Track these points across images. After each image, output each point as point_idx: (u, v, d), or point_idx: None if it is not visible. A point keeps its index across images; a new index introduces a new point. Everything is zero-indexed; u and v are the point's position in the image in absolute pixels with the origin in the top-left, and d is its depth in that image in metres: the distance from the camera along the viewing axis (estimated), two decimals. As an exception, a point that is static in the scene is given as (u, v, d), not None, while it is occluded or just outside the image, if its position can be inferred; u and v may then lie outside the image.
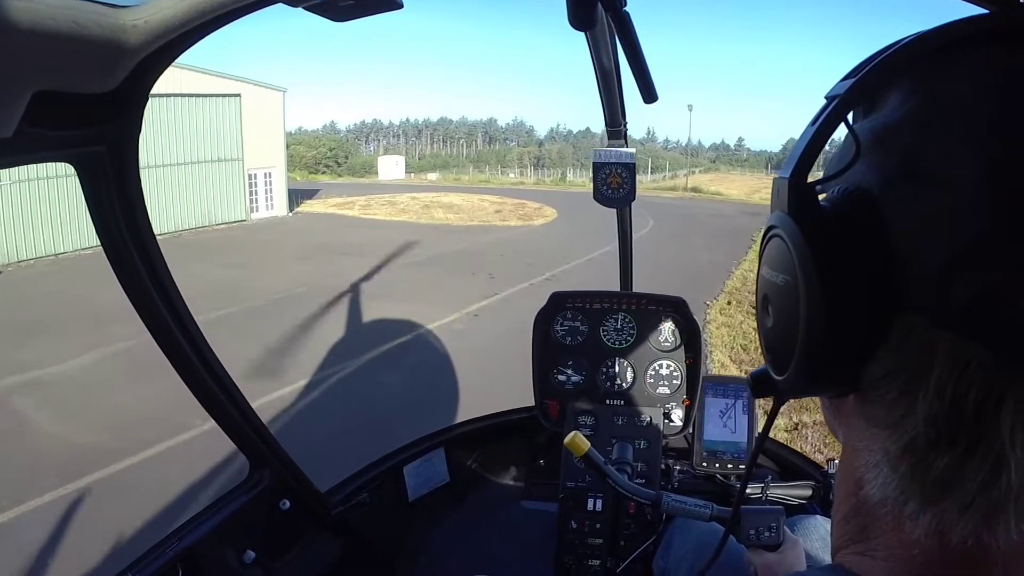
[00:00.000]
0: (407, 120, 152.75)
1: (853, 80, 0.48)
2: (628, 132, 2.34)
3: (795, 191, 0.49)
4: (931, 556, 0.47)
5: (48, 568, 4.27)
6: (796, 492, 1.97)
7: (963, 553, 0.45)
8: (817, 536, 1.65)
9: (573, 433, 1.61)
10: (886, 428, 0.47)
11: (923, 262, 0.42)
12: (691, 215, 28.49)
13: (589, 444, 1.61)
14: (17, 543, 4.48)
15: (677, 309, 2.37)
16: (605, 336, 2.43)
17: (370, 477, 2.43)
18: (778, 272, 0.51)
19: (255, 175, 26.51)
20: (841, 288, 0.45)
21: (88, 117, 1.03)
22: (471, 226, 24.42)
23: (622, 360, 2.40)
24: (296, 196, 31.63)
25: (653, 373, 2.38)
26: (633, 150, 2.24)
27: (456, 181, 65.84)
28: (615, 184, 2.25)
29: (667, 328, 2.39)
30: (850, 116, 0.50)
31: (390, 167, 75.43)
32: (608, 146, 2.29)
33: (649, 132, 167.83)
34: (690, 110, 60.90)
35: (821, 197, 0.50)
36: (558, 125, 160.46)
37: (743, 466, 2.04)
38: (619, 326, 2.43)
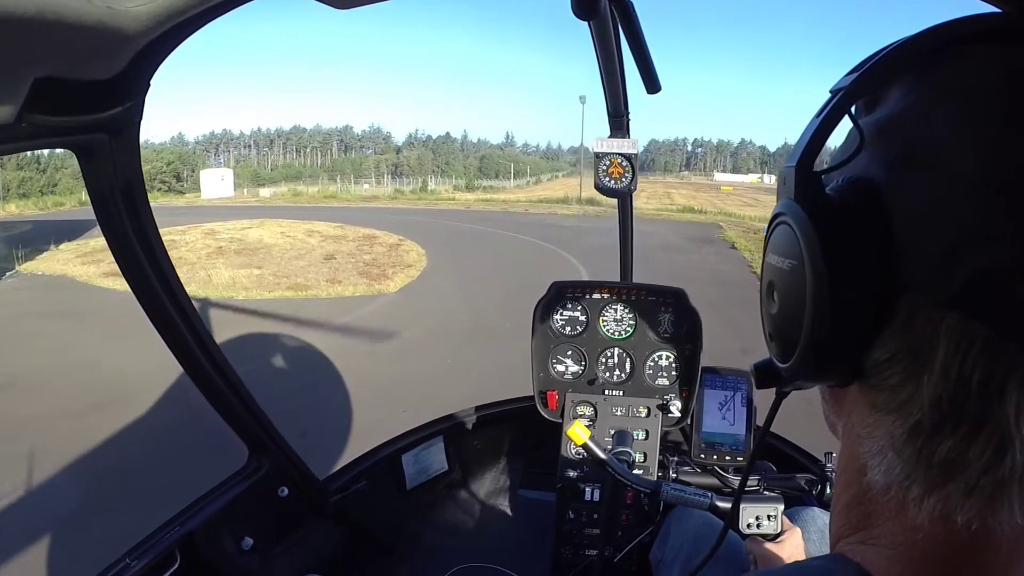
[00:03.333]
0: (259, 130, 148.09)
1: (857, 74, 0.51)
2: (630, 123, 2.31)
3: (801, 178, 0.51)
4: (935, 541, 0.48)
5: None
6: (793, 484, 1.93)
7: (967, 537, 0.46)
8: (815, 528, 1.72)
9: (575, 421, 1.69)
10: (890, 412, 0.48)
11: (925, 245, 0.44)
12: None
13: (591, 433, 1.68)
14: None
15: (677, 300, 2.39)
16: (604, 326, 2.44)
17: (368, 465, 2.48)
18: (784, 258, 0.53)
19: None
20: (846, 271, 0.47)
21: (89, 104, 1.02)
22: (269, 301, 13.84)
23: (621, 351, 2.42)
24: (43, 237, 21.54)
25: (652, 364, 2.40)
26: (636, 139, 2.26)
27: (295, 198, 58.33)
28: (616, 174, 2.24)
29: (667, 319, 2.40)
30: (855, 110, 0.53)
31: (214, 183, 64.11)
32: (611, 136, 2.28)
33: (508, 136, 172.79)
34: (583, 102, 54.76)
35: (827, 187, 0.52)
36: (416, 130, 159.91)
37: (741, 458, 2.07)
38: (618, 316, 2.43)
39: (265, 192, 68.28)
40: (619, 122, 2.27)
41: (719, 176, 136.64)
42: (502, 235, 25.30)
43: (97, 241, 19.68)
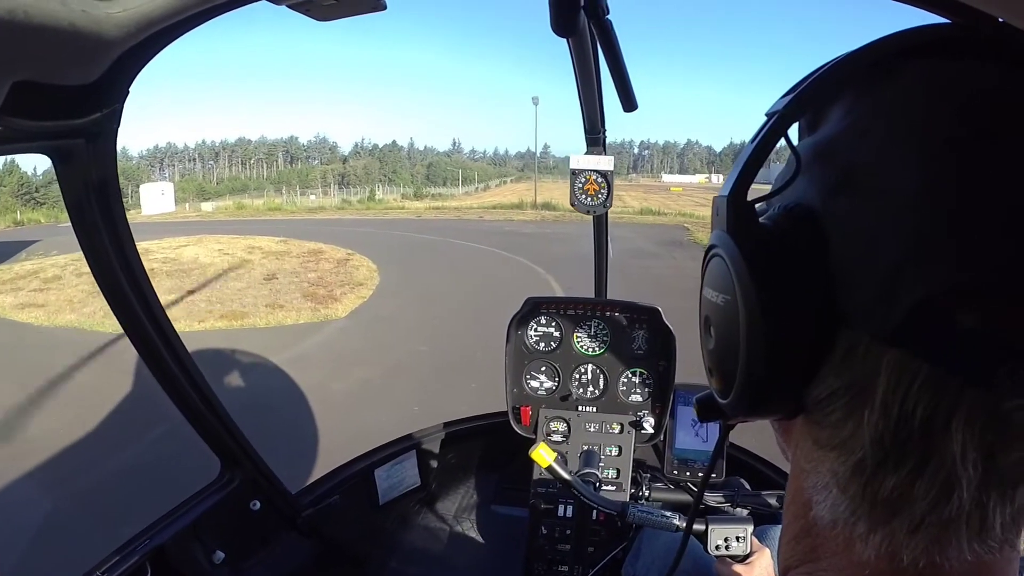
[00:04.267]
0: (203, 142, 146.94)
1: (791, 96, 0.49)
2: (607, 139, 2.36)
3: (733, 209, 0.49)
4: None
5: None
6: (765, 501, 1.92)
7: (914, 574, 0.45)
8: None
9: (539, 444, 1.68)
10: (833, 449, 0.46)
11: (863, 275, 0.43)
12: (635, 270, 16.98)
13: (555, 455, 1.67)
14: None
15: (651, 317, 2.39)
16: (578, 342, 2.43)
17: (341, 479, 2.47)
18: (718, 292, 0.52)
19: None
20: (781, 305, 0.45)
21: (68, 109, 1.03)
22: (199, 334, 11.59)
23: (595, 367, 2.41)
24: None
25: (626, 380, 2.39)
26: (611, 157, 2.27)
27: (239, 211, 56.25)
28: (592, 191, 2.25)
29: (640, 336, 2.40)
30: (796, 134, 0.53)
31: (155, 198, 61.94)
32: (587, 153, 2.30)
33: (455, 143, 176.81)
34: (535, 103, 55.38)
35: (763, 216, 0.51)
36: (363, 139, 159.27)
37: (713, 475, 2.03)
38: (592, 333, 2.43)
39: (207, 206, 65.90)
40: (595, 139, 2.29)
41: (667, 177, 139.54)
42: (461, 246, 24.06)
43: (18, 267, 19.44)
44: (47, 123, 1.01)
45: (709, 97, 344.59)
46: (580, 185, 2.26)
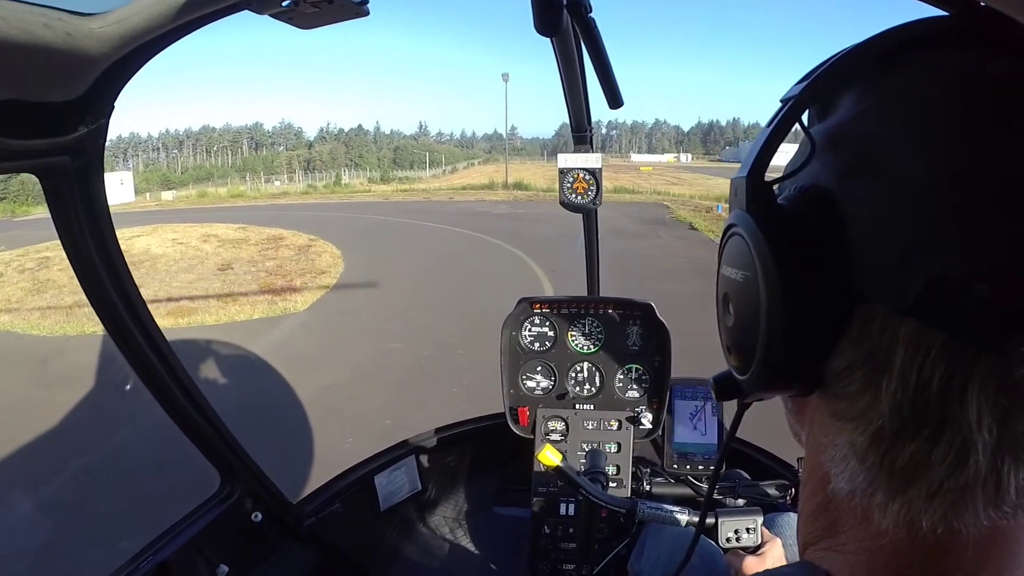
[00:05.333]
0: (167, 131, 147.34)
1: (806, 83, 0.52)
2: (593, 137, 2.36)
3: (752, 189, 0.52)
4: (900, 546, 0.49)
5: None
6: (768, 491, 1.98)
7: (933, 541, 0.47)
8: (792, 532, 1.75)
9: (545, 446, 1.71)
10: (851, 420, 0.48)
11: (880, 252, 0.45)
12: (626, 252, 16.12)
13: (562, 456, 1.70)
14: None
15: (644, 312, 2.41)
16: (573, 341, 2.45)
17: (341, 487, 2.44)
18: (738, 269, 0.53)
19: None
20: (800, 281, 0.47)
21: (52, 126, 1.03)
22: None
23: (591, 365, 2.44)
24: None
25: (622, 377, 2.41)
26: (599, 155, 2.28)
27: (201, 198, 55.00)
28: (581, 189, 2.26)
29: (635, 332, 2.41)
30: (806, 119, 0.54)
31: (113, 188, 58.91)
32: (575, 151, 2.31)
33: (421, 126, 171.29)
34: (505, 80, 55.12)
35: (779, 197, 0.53)
36: (328, 124, 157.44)
37: (713, 467, 2.12)
38: (587, 331, 2.45)
39: (168, 195, 63.97)
40: (582, 137, 2.29)
41: (636, 157, 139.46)
42: (432, 228, 23.07)
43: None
44: (32, 141, 1.01)
45: (676, 77, 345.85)
46: (569, 183, 2.26)
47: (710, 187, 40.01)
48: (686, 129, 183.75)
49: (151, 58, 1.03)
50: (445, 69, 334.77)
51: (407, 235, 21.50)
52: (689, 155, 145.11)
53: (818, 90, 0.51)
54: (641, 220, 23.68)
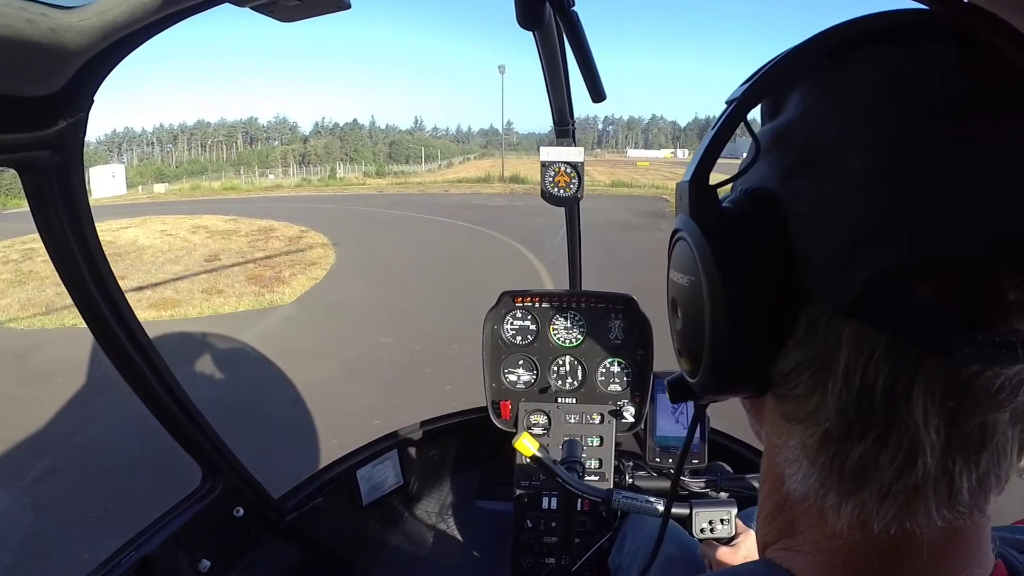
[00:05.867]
0: (161, 126, 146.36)
1: (749, 83, 0.51)
2: (576, 131, 2.35)
3: (695, 193, 0.51)
4: (855, 547, 0.49)
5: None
6: (748, 484, 1.98)
7: (887, 542, 0.47)
8: None
9: (522, 434, 1.70)
10: (801, 422, 0.48)
11: (822, 253, 0.45)
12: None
13: (539, 445, 1.71)
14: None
15: (626, 306, 2.42)
16: (555, 335, 2.46)
17: (323, 482, 2.44)
18: (683, 274, 0.54)
19: None
20: (743, 284, 0.48)
21: (31, 120, 1.03)
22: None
23: (573, 358, 2.44)
24: None
25: (604, 371, 2.42)
26: (580, 149, 2.25)
27: (193, 191, 54.60)
28: (563, 183, 2.23)
29: (617, 326, 2.42)
30: (757, 119, 0.55)
31: (105, 181, 59.29)
32: (556, 144, 2.30)
33: (417, 121, 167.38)
34: (502, 72, 53.52)
35: (726, 200, 0.53)
36: (323, 119, 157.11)
37: (696, 460, 2.11)
38: (568, 324, 2.45)
39: (160, 188, 63.58)
40: (564, 130, 2.29)
41: (632, 152, 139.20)
42: (426, 220, 22.50)
43: None
44: (10, 136, 1.01)
45: (674, 72, 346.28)
46: (551, 177, 2.24)
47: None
48: (683, 125, 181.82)
49: (131, 51, 1.02)
50: (441, 63, 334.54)
51: (401, 227, 21.13)
52: (686, 151, 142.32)
53: (761, 90, 0.51)
54: (641, 213, 23.36)
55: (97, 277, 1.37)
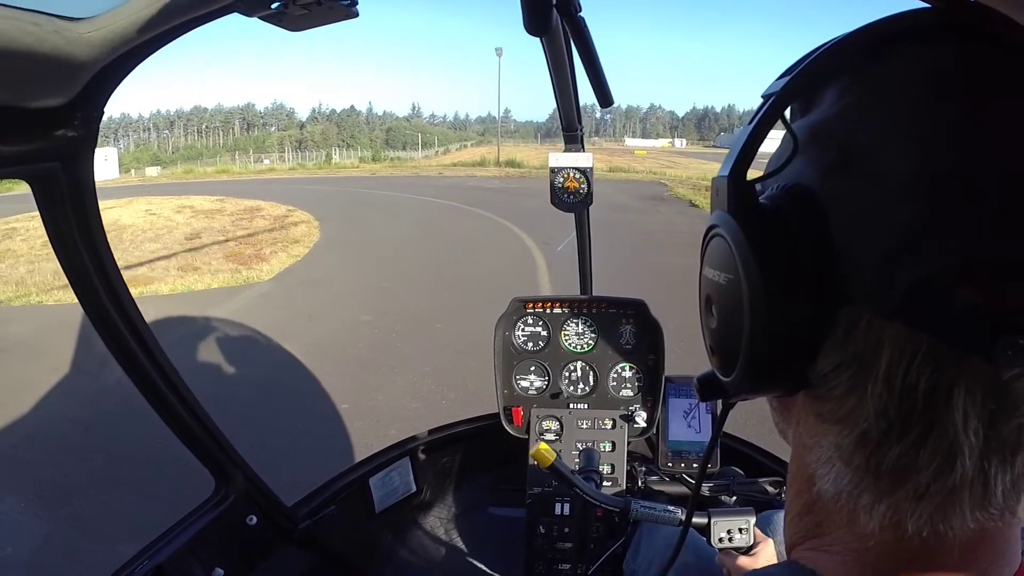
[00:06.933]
0: (158, 112, 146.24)
1: (788, 78, 0.50)
2: (587, 122, 2.44)
3: (734, 189, 0.50)
4: (886, 548, 0.49)
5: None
6: (761, 489, 1.99)
7: (919, 543, 0.47)
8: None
9: (539, 444, 1.68)
10: (837, 423, 0.48)
11: (864, 253, 0.44)
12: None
13: (556, 454, 1.66)
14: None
15: (637, 311, 2.40)
16: (566, 340, 2.44)
17: (336, 490, 2.41)
18: (720, 271, 0.53)
19: None
20: (783, 283, 0.47)
21: (42, 132, 1.03)
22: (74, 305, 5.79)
23: (584, 364, 2.42)
24: None
25: (615, 376, 2.40)
26: (590, 154, 2.22)
27: (186, 175, 53.70)
28: (572, 188, 2.21)
29: (628, 331, 2.40)
30: (789, 114, 0.54)
31: (98, 164, 48.43)
32: (565, 150, 2.26)
33: (414, 108, 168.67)
34: (499, 55, 52.71)
35: (762, 196, 0.52)
36: (320, 105, 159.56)
37: (708, 465, 2.09)
38: (580, 330, 2.43)
39: (152, 171, 63.78)
40: (573, 136, 2.26)
41: (630, 141, 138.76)
42: (418, 201, 22.32)
43: None
44: (21, 147, 1.00)
45: (672, 62, 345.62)
46: (560, 183, 2.21)
47: (705, 171, 39.83)
48: (681, 115, 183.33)
49: (140, 62, 1.02)
50: (438, 48, 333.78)
51: (392, 207, 20.88)
52: (684, 140, 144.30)
53: (800, 85, 0.50)
54: (640, 197, 23.23)
55: (109, 287, 1.37)
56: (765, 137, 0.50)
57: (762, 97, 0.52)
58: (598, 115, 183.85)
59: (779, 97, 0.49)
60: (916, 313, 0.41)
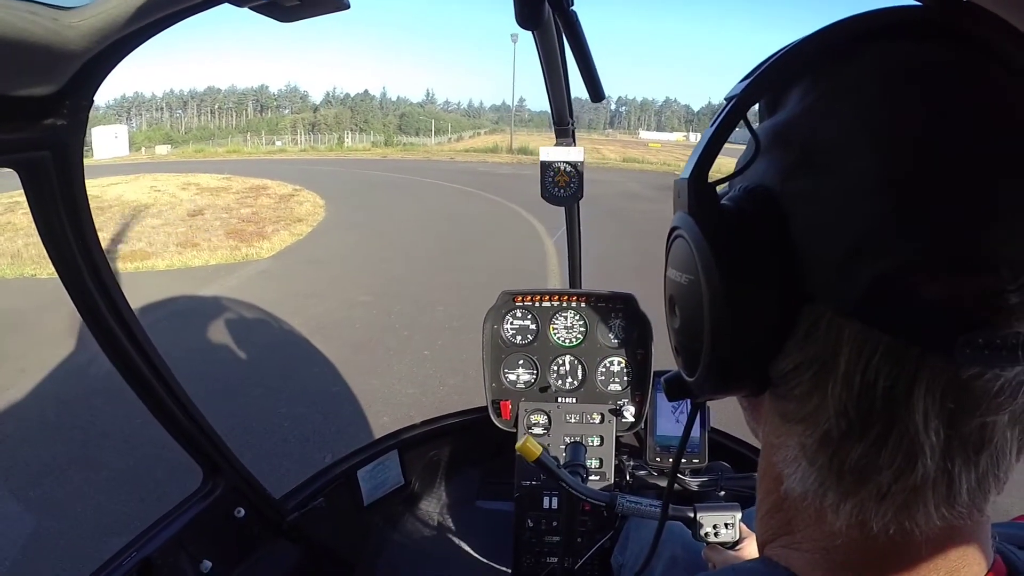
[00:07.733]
0: (171, 91, 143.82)
1: (748, 80, 0.51)
2: (575, 130, 2.38)
3: (694, 191, 0.51)
4: (854, 545, 0.49)
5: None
6: (750, 483, 1.98)
7: (886, 541, 0.47)
8: None
9: (525, 437, 1.61)
10: (799, 422, 0.48)
11: (823, 252, 0.44)
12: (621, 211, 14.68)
13: (541, 448, 1.62)
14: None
15: (626, 305, 2.39)
16: (555, 334, 2.43)
17: (324, 482, 2.44)
18: (682, 272, 0.54)
19: None
20: (743, 284, 0.47)
21: (31, 121, 1.03)
22: None
23: (573, 358, 2.42)
24: None
25: (604, 370, 2.39)
26: (581, 148, 2.26)
27: (197, 154, 54.21)
28: (563, 182, 2.24)
29: (617, 325, 2.39)
30: (756, 116, 0.54)
31: (107, 141, 57.76)
32: (556, 144, 2.30)
33: (428, 94, 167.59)
34: (514, 41, 50.27)
35: (725, 197, 0.52)
36: (334, 89, 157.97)
37: (696, 460, 2.14)
38: (568, 324, 2.42)
39: (162, 149, 63.97)
40: (564, 130, 2.29)
41: (645, 134, 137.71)
42: (428, 184, 22.30)
43: None
44: (10, 136, 1.00)
45: (689, 55, 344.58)
46: (551, 177, 2.23)
47: (720, 165, 38.65)
48: (696, 109, 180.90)
49: (131, 51, 1.01)
50: (454, 36, 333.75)
51: (400, 189, 20.76)
52: (699, 135, 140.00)
53: (761, 87, 0.50)
54: (653, 186, 23.01)
55: (96, 277, 1.36)
56: (726, 139, 0.50)
57: (724, 99, 0.52)
58: (613, 106, 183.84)
59: (740, 99, 0.49)
60: (875, 311, 0.41)
